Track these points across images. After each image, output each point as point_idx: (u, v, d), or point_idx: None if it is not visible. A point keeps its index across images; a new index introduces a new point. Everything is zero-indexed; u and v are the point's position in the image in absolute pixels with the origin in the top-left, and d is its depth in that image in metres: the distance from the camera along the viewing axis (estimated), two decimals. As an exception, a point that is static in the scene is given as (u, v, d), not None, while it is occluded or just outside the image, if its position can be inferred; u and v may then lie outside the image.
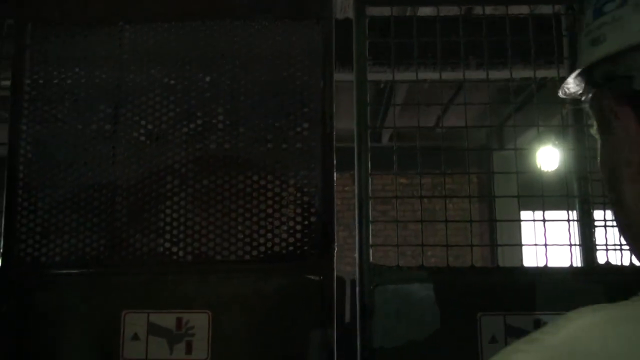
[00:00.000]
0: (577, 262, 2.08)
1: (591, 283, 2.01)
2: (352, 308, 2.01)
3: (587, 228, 2.11)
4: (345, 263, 4.26)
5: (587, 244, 2.07)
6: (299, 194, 2.04)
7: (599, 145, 0.79)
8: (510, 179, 2.14)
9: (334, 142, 2.05)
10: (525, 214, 2.27)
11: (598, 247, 2.07)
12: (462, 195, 2.24)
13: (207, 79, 2.10)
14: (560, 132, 2.49)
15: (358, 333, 1.99)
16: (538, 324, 1.94)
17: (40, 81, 2.14)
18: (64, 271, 2.04)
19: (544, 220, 2.03)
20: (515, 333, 1.94)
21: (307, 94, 2.09)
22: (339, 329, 1.98)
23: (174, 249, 2.04)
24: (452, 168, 2.21)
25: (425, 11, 2.82)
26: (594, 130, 0.79)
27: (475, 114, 2.13)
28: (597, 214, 2.11)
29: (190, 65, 2.10)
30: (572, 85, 0.80)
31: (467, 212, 2.08)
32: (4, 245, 2.05)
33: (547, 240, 2.03)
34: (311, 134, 2.06)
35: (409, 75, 2.85)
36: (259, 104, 2.09)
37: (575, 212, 2.18)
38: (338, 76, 2.13)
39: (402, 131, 2.29)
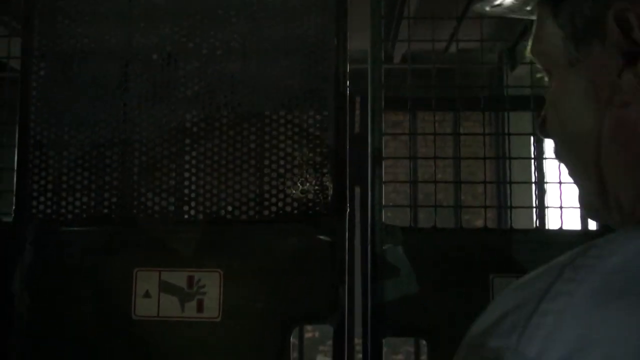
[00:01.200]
0: (592, 225, 2.06)
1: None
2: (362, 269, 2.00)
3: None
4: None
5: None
6: (311, 154, 2.02)
7: (554, 94, 0.68)
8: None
9: (348, 102, 2.02)
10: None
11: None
12: (475, 132, 2.18)
13: (219, 36, 2.07)
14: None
15: (369, 294, 1.99)
16: (551, 287, 1.93)
17: (50, 39, 2.11)
18: (76, 229, 2.04)
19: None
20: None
21: (320, 52, 2.05)
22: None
23: (185, 208, 2.03)
24: (463, 90, 2.17)
25: None
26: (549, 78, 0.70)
27: (485, 34, 2.07)
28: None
29: (202, 22, 2.07)
30: None
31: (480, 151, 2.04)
32: (16, 203, 2.05)
33: (562, 202, 2.01)
34: (324, 93, 2.03)
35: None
36: (271, 62, 2.06)
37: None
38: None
39: (414, 53, 2.21)
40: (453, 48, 2.23)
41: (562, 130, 0.67)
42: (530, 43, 0.70)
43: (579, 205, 0.71)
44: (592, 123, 0.61)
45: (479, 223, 2.05)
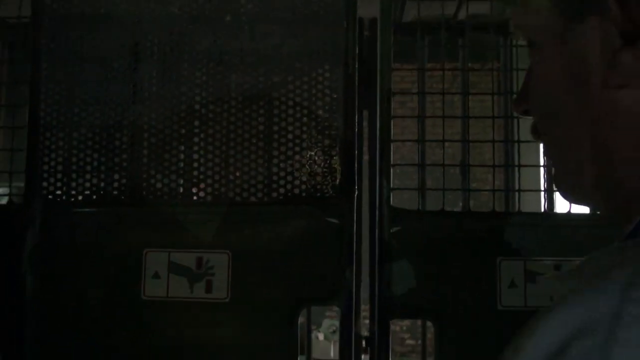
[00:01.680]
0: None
1: (615, 230, 1.99)
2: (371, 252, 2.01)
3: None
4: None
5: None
6: (319, 136, 2.02)
7: (539, 69, 0.66)
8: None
9: (357, 83, 2.02)
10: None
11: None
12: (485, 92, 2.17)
13: (227, 17, 2.06)
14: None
15: (376, 277, 2.00)
16: (559, 269, 1.93)
17: (60, 20, 2.11)
18: (86, 209, 2.06)
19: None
20: (536, 278, 1.93)
21: (330, 34, 2.04)
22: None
23: (194, 190, 2.05)
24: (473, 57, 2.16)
25: None
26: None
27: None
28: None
29: (211, 1, 2.06)
30: None
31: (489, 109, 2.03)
32: (26, 183, 2.07)
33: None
34: (333, 75, 2.03)
35: None
36: (280, 43, 2.05)
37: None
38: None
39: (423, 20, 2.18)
40: (462, 14, 2.19)
41: (545, 108, 0.65)
42: (514, 12, 0.67)
43: (554, 185, 0.69)
44: (581, 103, 0.59)
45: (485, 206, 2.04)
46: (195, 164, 2.05)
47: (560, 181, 0.68)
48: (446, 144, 2.09)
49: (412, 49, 2.14)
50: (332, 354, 5.58)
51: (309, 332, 2.13)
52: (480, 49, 2.30)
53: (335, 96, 2.01)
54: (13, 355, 1.97)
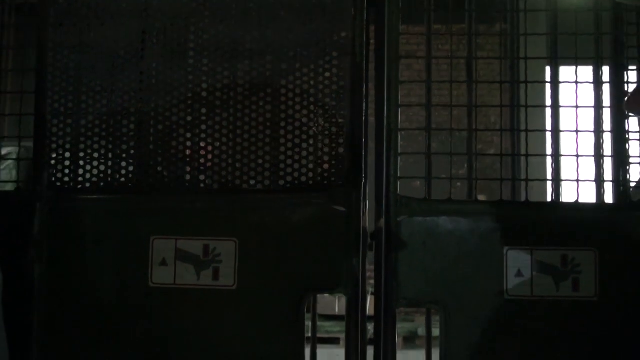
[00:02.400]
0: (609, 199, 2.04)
1: (623, 220, 1.98)
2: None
3: (621, 165, 2.05)
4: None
5: (621, 180, 2.02)
6: (327, 124, 2.01)
7: None
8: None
9: (364, 71, 2.01)
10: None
11: (632, 184, 2.02)
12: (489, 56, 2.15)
13: (234, 5, 2.05)
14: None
15: (383, 265, 2.00)
16: (565, 260, 1.93)
17: (66, 6, 2.11)
18: (94, 196, 2.06)
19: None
20: (542, 268, 1.93)
21: (338, 22, 2.03)
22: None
23: (201, 177, 2.05)
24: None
25: None
26: None
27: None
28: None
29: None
30: None
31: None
32: (34, 170, 2.07)
33: (579, 175, 2.00)
34: (341, 63, 2.02)
35: None
36: (288, 31, 2.05)
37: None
38: None
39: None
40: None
41: None
42: None
43: None
44: None
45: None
46: (202, 152, 2.05)
47: None
48: (453, 127, 2.08)
49: (419, 11, 2.10)
50: (336, 310, 5.57)
51: (315, 319, 2.13)
52: (487, 11, 2.26)
53: (342, 84, 2.00)
54: (21, 341, 1.98)
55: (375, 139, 2.05)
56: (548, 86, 2.17)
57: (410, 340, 5.53)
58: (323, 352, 2.66)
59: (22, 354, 1.99)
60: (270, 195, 2.03)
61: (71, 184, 2.07)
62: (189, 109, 2.06)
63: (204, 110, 2.06)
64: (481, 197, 2.11)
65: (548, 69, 2.15)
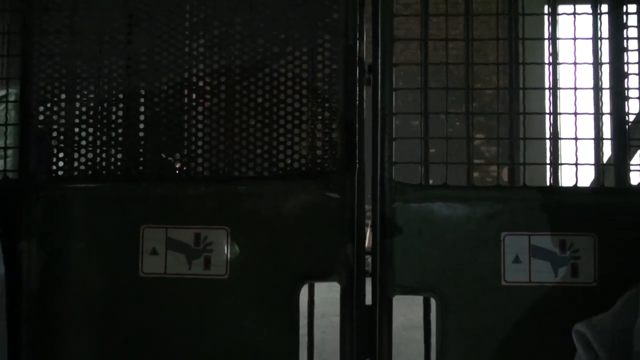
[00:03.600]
0: (609, 182, 2.00)
1: (622, 204, 1.94)
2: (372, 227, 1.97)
3: (621, 148, 2.01)
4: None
5: (620, 163, 1.98)
6: (319, 109, 1.97)
7: None
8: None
9: (357, 54, 1.96)
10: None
11: (632, 167, 1.98)
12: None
13: (224, -13, 2.00)
14: None
15: (378, 252, 1.96)
16: (564, 245, 1.89)
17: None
18: (82, 185, 2.02)
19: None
20: (540, 253, 1.89)
21: (329, 3, 1.98)
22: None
23: (192, 164, 2.00)
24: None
25: None
26: None
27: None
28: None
29: (206, -29, 2.00)
30: None
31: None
32: (20, 159, 2.03)
33: (577, 159, 1.96)
34: (333, 46, 1.97)
35: None
36: (279, 14, 1.99)
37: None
38: None
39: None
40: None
41: None
42: None
43: None
44: None
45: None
46: (193, 138, 2.00)
47: None
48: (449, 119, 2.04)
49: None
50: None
51: (312, 309, 2.10)
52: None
53: (335, 67, 1.96)
54: (10, 330, 1.94)
55: (372, 124, 2.01)
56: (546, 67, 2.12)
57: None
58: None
59: (11, 343, 1.95)
60: (262, 182, 1.99)
61: (58, 172, 2.02)
62: (178, 94, 2.02)
63: (194, 96, 2.02)
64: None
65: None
